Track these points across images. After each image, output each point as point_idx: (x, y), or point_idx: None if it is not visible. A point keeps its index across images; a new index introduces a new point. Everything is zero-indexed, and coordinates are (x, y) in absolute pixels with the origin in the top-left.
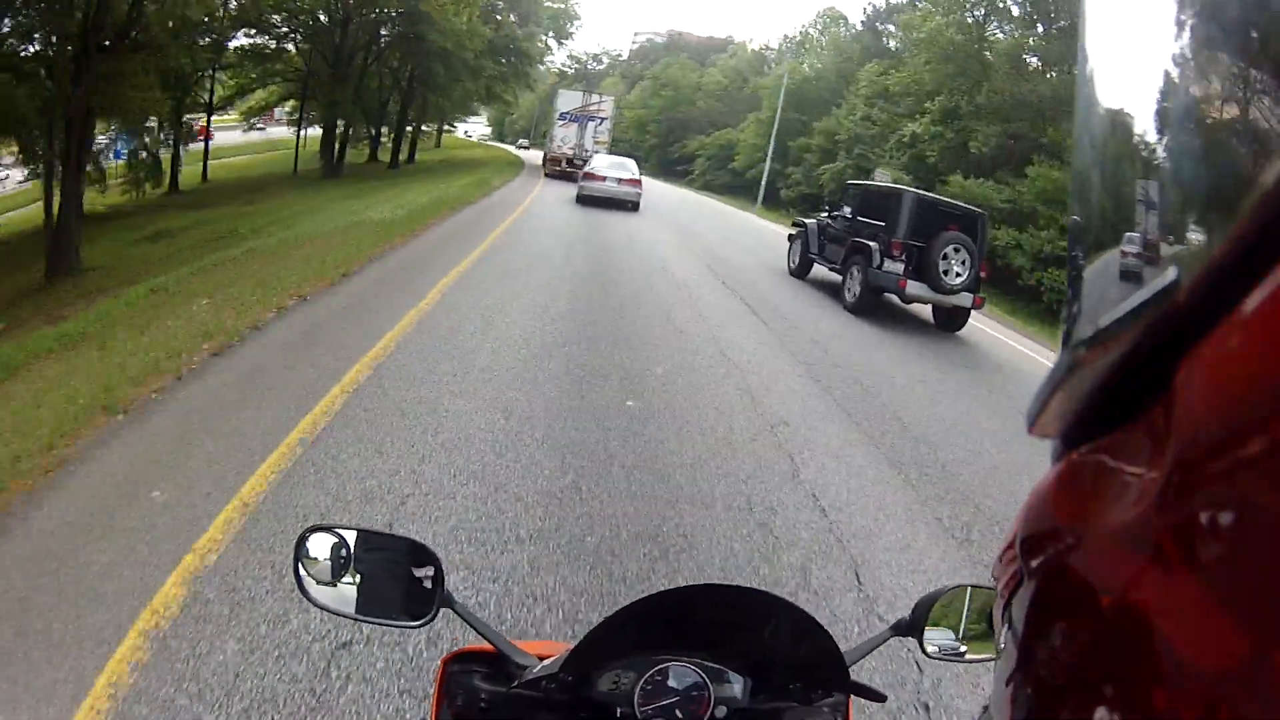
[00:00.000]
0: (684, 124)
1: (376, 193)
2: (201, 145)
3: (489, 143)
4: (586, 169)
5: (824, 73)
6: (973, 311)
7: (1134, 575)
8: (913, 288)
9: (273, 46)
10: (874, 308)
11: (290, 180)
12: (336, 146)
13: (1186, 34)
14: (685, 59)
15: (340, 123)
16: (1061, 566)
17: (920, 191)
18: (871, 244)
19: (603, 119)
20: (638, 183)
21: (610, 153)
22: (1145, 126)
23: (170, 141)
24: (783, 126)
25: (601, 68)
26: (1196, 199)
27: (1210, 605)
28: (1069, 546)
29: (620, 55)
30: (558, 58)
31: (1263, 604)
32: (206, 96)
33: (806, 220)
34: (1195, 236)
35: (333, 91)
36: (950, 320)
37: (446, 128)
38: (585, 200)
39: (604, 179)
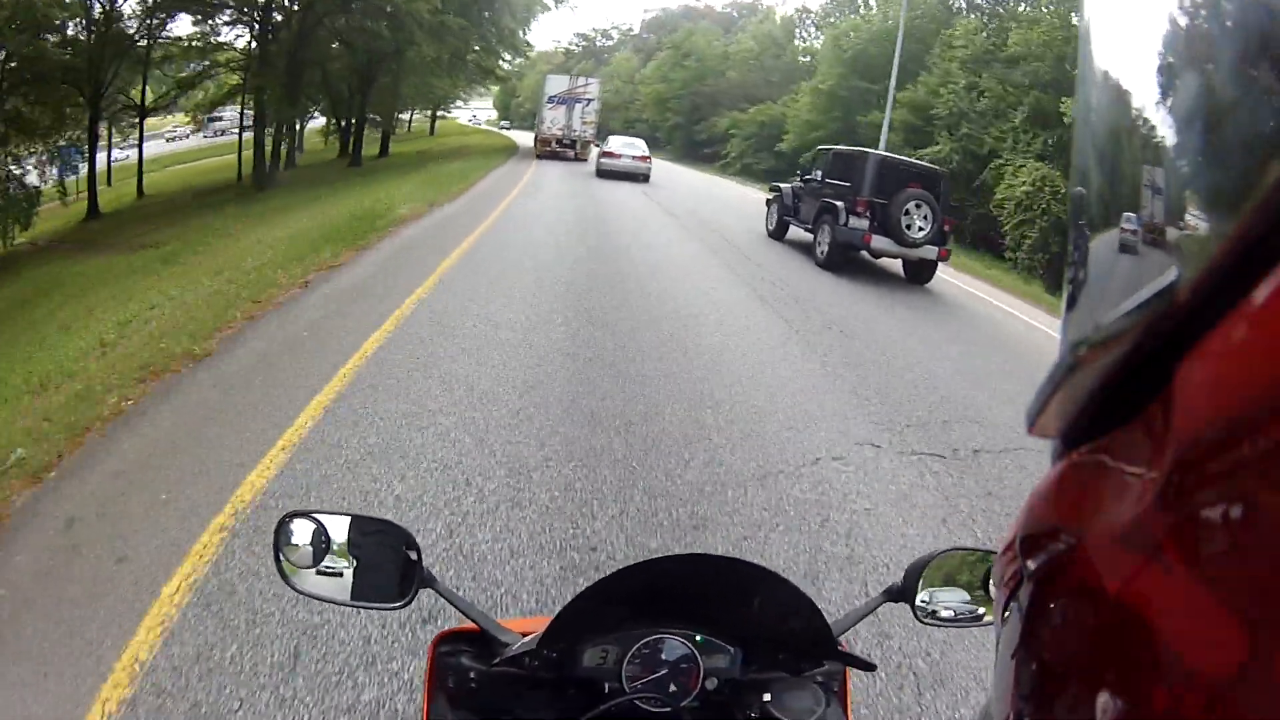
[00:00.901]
0: (712, 99)
1: (243, 232)
2: (170, 151)
3: (488, 128)
4: (605, 149)
5: (893, 30)
6: (940, 263)
7: (1134, 575)
8: (878, 242)
9: (211, 36)
10: (843, 263)
11: (224, 193)
12: (270, 146)
13: (1187, 29)
14: (708, 25)
15: (278, 116)
16: (1061, 566)
17: (883, 153)
18: (838, 203)
19: (589, 100)
20: (647, 159)
21: (598, 132)
22: (1145, 122)
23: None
24: (847, 99)
25: (611, 43)
26: (1197, 196)
27: (1210, 605)
28: (1069, 547)
29: (631, 29)
30: (560, 28)
31: (1263, 604)
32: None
33: (782, 185)
34: (1196, 233)
35: (259, 76)
36: (918, 273)
37: (442, 113)
38: (605, 174)
39: (620, 156)
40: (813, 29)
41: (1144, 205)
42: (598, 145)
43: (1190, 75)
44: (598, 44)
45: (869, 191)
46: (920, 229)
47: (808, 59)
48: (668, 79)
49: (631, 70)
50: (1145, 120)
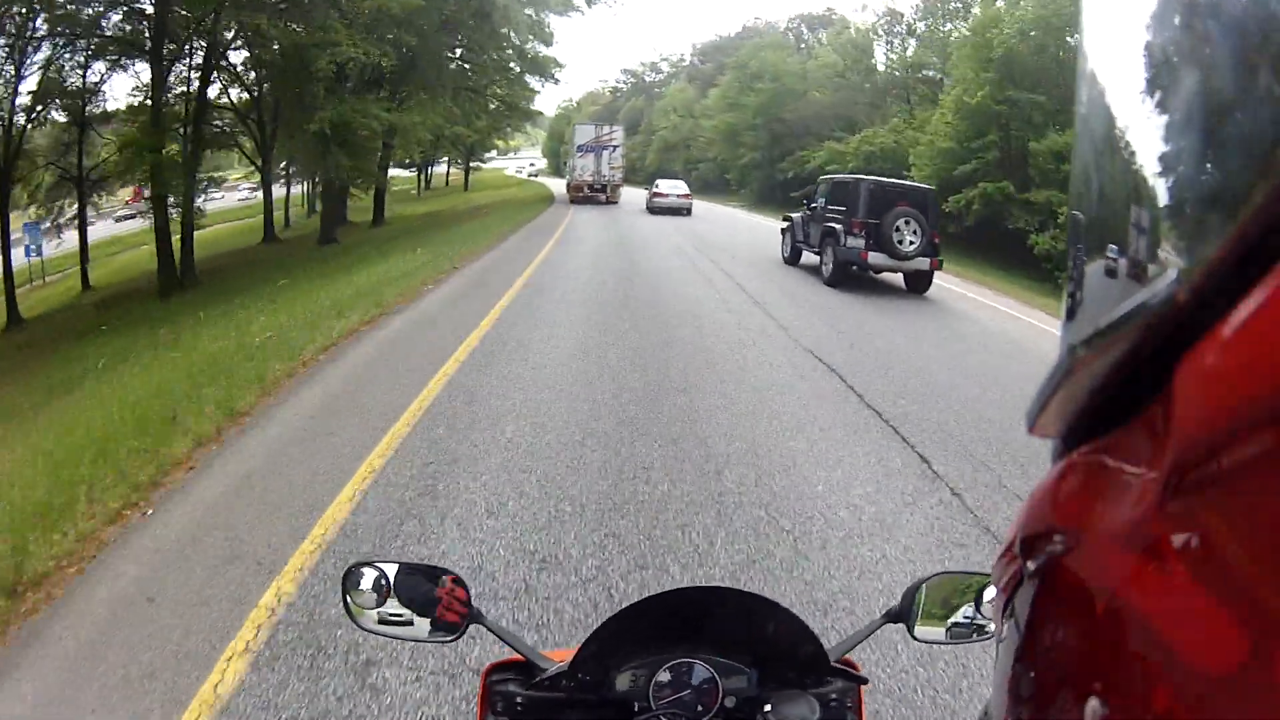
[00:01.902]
0: (796, 128)
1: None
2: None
3: (528, 178)
4: (654, 190)
5: (1052, 16)
6: (935, 272)
7: (1133, 575)
8: (873, 258)
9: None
10: (846, 279)
11: (127, 302)
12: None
13: (1186, 32)
14: (779, 39)
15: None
16: (1061, 567)
17: (873, 178)
18: (838, 226)
19: (615, 146)
20: (689, 196)
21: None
22: (1145, 125)
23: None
24: (1005, 115)
25: (661, 77)
26: (1196, 199)
27: (1210, 605)
28: (1069, 547)
29: (682, 59)
30: (606, 66)
31: (1261, 604)
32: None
33: (793, 215)
34: (1195, 237)
35: (153, 137)
36: (916, 283)
37: (476, 164)
38: (655, 211)
39: (667, 195)
40: (903, 34)
41: (1130, 242)
42: (649, 189)
43: (1189, 77)
44: (646, 79)
45: (862, 214)
46: (910, 243)
47: (900, 72)
48: (737, 106)
49: (688, 102)
50: (1137, 131)
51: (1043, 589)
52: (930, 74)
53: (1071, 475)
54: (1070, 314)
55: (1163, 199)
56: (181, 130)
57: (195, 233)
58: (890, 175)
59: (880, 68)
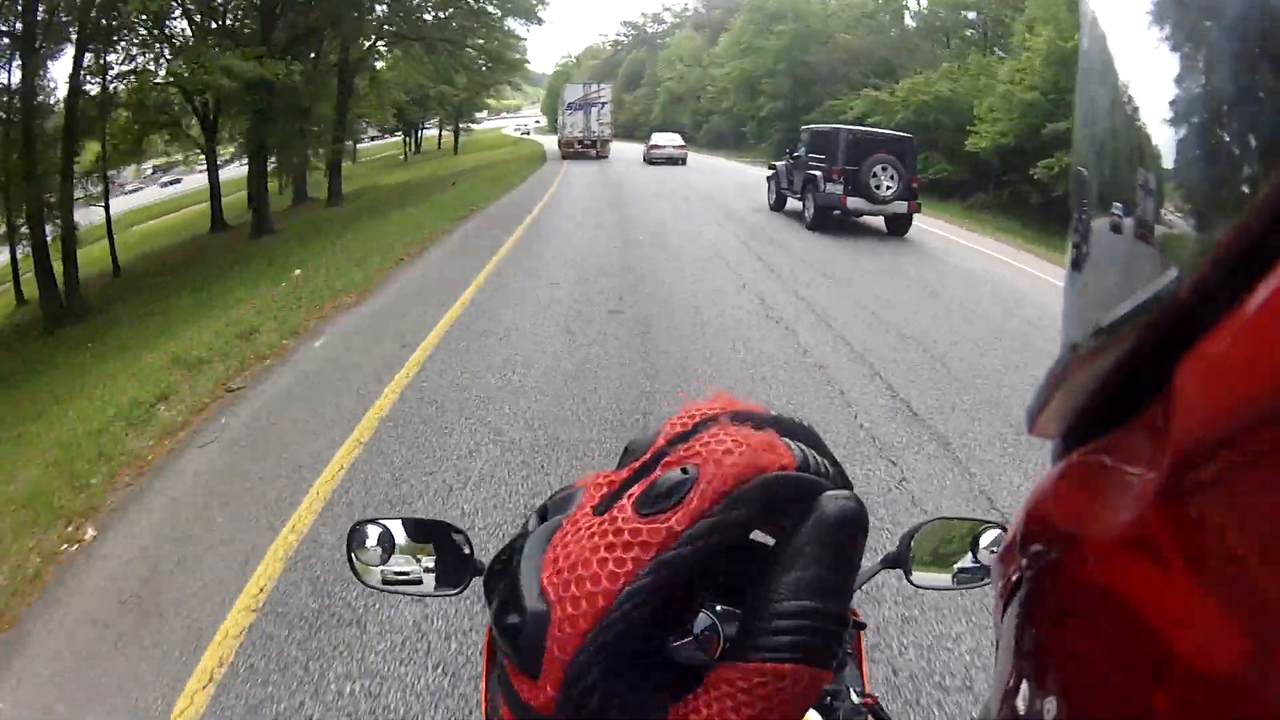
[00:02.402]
0: (820, 74)
1: None
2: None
3: (522, 137)
4: (651, 143)
5: None
6: (913, 215)
7: (1133, 576)
8: (852, 202)
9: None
10: (826, 223)
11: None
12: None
13: (1187, 25)
14: None
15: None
16: (1061, 567)
17: (850, 127)
18: (818, 173)
19: (604, 104)
20: (684, 148)
21: (608, 128)
22: (1148, 113)
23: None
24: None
25: (664, 27)
26: (1198, 193)
27: (1210, 606)
28: (1069, 548)
29: (686, 9)
30: (606, 20)
31: (1262, 604)
32: None
33: (777, 163)
34: (1196, 232)
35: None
36: (895, 226)
37: (466, 125)
38: (651, 162)
39: (663, 147)
40: None
41: (1137, 203)
42: (645, 143)
43: (1190, 70)
44: (648, 30)
45: (841, 161)
46: (888, 187)
47: (943, 12)
48: (753, 50)
49: (696, 51)
50: (1141, 112)
51: (1042, 590)
52: (973, 15)
53: (1071, 475)
54: (1075, 265)
55: (1168, 159)
56: (65, 124)
57: (170, 215)
58: (933, 128)
59: (912, 6)
